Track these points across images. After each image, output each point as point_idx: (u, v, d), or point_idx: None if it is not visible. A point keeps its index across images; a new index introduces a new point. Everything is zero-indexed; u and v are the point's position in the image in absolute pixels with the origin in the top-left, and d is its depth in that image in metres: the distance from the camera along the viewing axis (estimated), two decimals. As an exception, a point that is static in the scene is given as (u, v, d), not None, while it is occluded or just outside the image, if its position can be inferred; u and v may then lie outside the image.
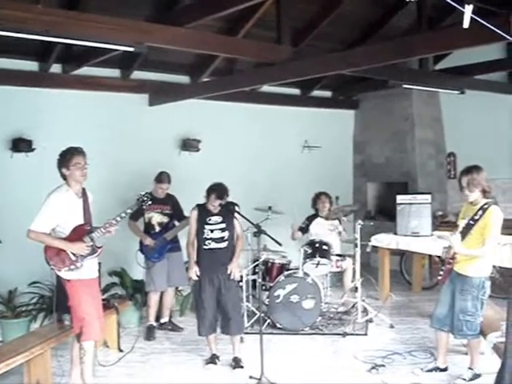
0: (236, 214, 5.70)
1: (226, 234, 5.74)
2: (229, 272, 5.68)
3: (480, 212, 4.92)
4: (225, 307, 5.70)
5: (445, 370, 5.42)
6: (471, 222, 4.95)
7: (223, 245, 5.73)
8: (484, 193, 4.96)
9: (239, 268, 5.90)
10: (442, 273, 5.23)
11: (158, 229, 6.95)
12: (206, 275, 5.69)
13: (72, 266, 4.73)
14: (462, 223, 5.01)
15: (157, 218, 6.95)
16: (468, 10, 3.15)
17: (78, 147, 4.85)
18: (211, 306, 5.70)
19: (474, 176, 4.92)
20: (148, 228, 6.98)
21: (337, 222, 7.73)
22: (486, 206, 4.92)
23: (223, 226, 5.73)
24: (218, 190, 5.62)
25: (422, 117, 10.23)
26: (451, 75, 8.36)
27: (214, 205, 5.63)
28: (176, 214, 7.04)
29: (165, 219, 6.98)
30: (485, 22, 3.58)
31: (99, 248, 4.85)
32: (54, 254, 4.73)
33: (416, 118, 10.12)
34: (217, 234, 5.71)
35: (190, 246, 5.84)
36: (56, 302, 5.43)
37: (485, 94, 8.85)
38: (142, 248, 6.93)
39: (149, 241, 6.83)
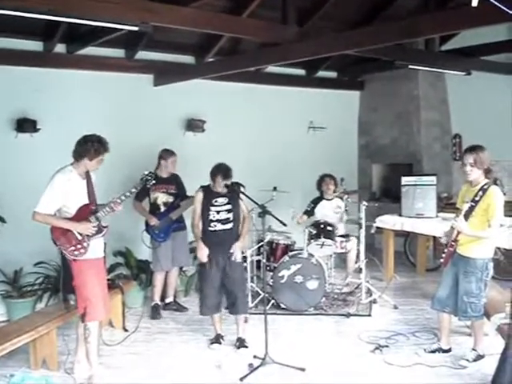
0: (241, 195, 5.68)
1: (231, 215, 5.71)
2: (231, 251, 5.68)
3: (480, 193, 4.90)
4: (230, 288, 5.72)
5: (448, 351, 5.45)
6: (472, 204, 4.93)
7: (229, 226, 5.71)
8: (487, 173, 4.94)
9: (242, 249, 5.89)
10: (444, 255, 5.24)
11: (163, 209, 6.96)
12: (211, 256, 5.68)
13: (79, 246, 4.74)
14: (465, 206, 4.98)
15: (162, 197, 6.96)
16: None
17: (107, 143, 4.86)
18: (215, 286, 5.71)
19: (480, 155, 4.90)
20: (153, 208, 6.99)
21: (341, 201, 7.75)
22: (485, 187, 4.90)
23: (229, 207, 5.70)
24: (222, 170, 5.57)
25: (428, 98, 10.16)
26: (457, 56, 8.29)
27: (221, 186, 5.59)
28: (180, 193, 7.05)
29: (170, 199, 6.98)
30: (494, 1, 3.52)
31: (105, 227, 4.87)
32: (60, 235, 4.74)
33: (422, 99, 10.06)
34: (223, 216, 5.68)
35: (195, 228, 5.81)
36: (62, 282, 5.47)
37: (491, 76, 8.79)
38: (148, 228, 6.95)
39: (154, 221, 6.85)
